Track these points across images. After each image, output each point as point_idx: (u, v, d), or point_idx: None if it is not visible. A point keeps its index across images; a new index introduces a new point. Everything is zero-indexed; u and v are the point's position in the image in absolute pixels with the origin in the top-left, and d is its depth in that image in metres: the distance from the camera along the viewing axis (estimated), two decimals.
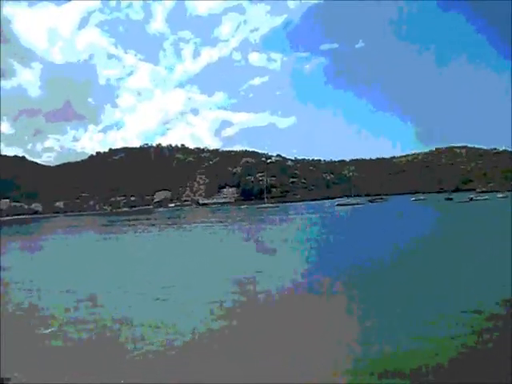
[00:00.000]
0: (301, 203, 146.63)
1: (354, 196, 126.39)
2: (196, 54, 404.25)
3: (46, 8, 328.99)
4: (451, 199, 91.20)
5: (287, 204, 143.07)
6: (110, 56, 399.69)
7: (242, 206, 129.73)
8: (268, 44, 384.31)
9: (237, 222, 64.78)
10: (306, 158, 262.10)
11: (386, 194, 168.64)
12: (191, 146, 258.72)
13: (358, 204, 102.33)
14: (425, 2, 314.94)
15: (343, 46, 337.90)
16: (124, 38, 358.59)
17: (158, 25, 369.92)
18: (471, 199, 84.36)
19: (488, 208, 62.17)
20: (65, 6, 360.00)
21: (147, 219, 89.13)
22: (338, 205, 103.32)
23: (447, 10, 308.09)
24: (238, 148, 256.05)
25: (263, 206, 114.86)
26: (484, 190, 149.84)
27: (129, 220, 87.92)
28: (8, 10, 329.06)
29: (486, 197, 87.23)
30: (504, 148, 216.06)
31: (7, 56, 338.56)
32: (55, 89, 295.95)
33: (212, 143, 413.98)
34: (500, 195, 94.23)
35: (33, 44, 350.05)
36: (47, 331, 11.25)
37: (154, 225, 68.72)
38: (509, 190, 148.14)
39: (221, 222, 65.73)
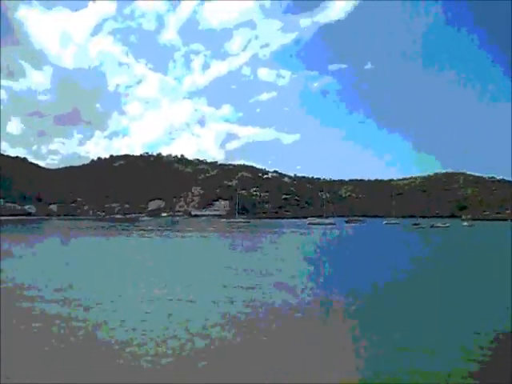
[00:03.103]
0: (276, 220, 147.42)
1: (338, 216, 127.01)
2: (206, 66, 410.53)
3: (60, 13, 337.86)
4: (418, 224, 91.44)
5: (264, 220, 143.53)
6: (121, 64, 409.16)
7: (222, 220, 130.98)
8: (278, 60, 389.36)
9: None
10: (306, 175, 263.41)
11: (382, 216, 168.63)
12: (195, 156, 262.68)
13: (329, 224, 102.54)
14: (435, 25, 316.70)
15: (351, 67, 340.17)
16: (135, 46, 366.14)
17: (169, 36, 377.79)
18: (432, 226, 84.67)
19: (438, 235, 63.03)
20: (80, 12, 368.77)
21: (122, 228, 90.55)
22: (309, 224, 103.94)
23: (459, 30, 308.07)
24: (242, 161, 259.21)
25: (234, 220, 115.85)
26: (470, 217, 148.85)
27: (104, 228, 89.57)
28: (22, 12, 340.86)
29: (448, 224, 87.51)
30: (502, 177, 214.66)
31: (18, 57, 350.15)
32: (64, 93, 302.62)
33: (217, 155, 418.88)
34: (465, 223, 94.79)
35: (45, 47, 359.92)
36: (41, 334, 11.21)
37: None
38: (502, 219, 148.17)
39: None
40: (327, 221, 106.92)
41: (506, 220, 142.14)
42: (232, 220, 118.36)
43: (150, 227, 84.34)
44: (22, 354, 9.62)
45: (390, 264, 27.13)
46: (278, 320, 12.45)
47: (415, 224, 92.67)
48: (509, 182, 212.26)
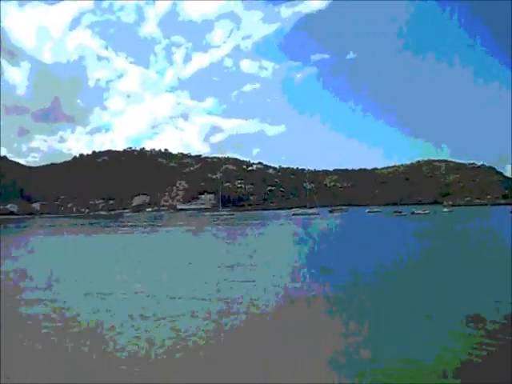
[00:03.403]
0: (260, 212, 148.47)
1: (323, 206, 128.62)
2: (187, 58, 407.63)
3: (37, 7, 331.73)
4: (400, 212, 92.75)
5: (248, 212, 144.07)
6: (101, 58, 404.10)
7: (207, 213, 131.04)
8: (260, 51, 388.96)
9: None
10: (291, 166, 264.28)
11: (366, 205, 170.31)
12: (179, 150, 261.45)
13: (313, 214, 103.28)
14: (416, 15, 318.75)
15: (334, 57, 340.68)
16: (115, 40, 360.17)
17: (150, 28, 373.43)
18: (412, 213, 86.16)
19: (416, 222, 63.88)
20: (56, 6, 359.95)
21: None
22: (293, 214, 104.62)
23: (443, 15, 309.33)
24: (226, 154, 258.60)
25: (218, 213, 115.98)
26: (451, 203, 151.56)
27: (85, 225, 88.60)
28: None
29: (427, 211, 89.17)
30: (482, 163, 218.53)
31: None
32: (43, 89, 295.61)
33: (201, 148, 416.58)
34: (445, 210, 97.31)
35: (22, 43, 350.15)
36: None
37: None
38: (484, 205, 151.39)
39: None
40: (310, 211, 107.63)
41: (485, 205, 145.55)
42: (216, 213, 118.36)
43: (130, 223, 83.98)
44: (21, 354, 9.64)
45: (371, 252, 27.41)
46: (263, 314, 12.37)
47: (396, 211, 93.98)
48: (489, 167, 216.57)
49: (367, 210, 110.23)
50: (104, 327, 11.59)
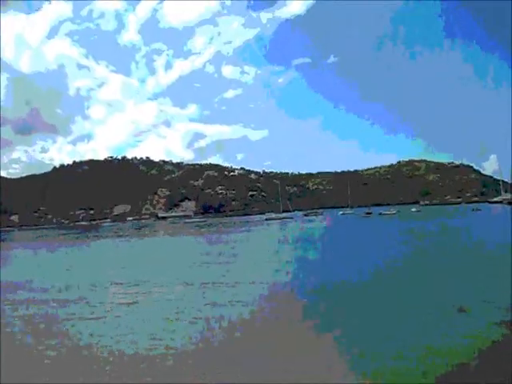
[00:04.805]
0: (236, 217, 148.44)
1: (300, 210, 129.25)
2: (168, 66, 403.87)
3: (14, 16, 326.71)
4: (370, 213, 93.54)
5: (222, 219, 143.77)
6: (81, 66, 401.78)
7: (187, 221, 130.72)
8: (241, 57, 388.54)
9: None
10: (274, 170, 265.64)
11: (346, 207, 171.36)
12: (163, 158, 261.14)
13: (286, 218, 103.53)
14: (397, 16, 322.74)
15: (315, 61, 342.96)
16: (95, 48, 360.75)
17: (130, 36, 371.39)
18: (380, 214, 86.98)
19: (380, 223, 64.67)
20: (34, 15, 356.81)
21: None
22: (266, 219, 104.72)
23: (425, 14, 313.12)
24: (210, 160, 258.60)
25: (191, 221, 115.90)
26: (428, 203, 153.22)
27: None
28: None
29: (394, 211, 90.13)
30: (461, 162, 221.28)
31: None
32: (22, 99, 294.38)
33: (185, 155, 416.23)
34: (413, 209, 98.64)
35: None
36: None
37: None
38: (458, 203, 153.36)
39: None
40: (284, 215, 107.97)
41: (460, 203, 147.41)
42: (188, 220, 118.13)
43: (96, 234, 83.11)
44: (21, 355, 9.77)
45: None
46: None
47: (367, 213, 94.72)
48: (467, 166, 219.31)
49: (340, 213, 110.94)
50: (102, 329, 11.76)
